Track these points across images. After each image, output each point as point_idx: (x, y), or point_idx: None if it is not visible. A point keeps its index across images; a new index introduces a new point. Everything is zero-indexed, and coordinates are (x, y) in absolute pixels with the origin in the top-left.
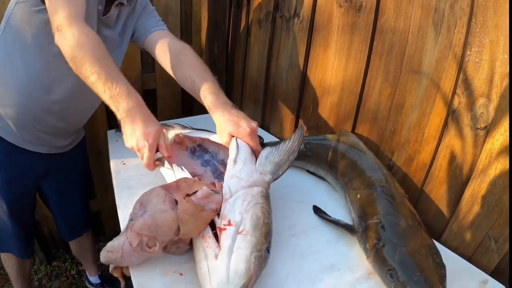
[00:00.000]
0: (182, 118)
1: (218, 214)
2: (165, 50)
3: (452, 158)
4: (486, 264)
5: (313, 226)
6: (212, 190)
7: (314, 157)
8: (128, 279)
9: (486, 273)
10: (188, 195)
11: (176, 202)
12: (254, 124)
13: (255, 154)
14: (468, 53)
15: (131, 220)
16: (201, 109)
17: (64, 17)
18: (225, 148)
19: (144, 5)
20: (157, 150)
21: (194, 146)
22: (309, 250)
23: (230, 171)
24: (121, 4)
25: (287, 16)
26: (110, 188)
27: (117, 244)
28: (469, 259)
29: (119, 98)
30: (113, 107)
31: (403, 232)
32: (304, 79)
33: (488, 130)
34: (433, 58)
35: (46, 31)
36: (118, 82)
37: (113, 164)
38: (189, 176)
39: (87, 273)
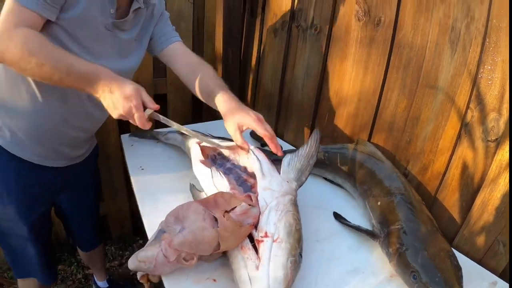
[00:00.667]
0: (192, 124)
1: (256, 227)
2: (186, 64)
3: (465, 168)
4: (495, 267)
5: (334, 232)
6: (249, 205)
7: (332, 165)
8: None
9: (495, 275)
10: (227, 211)
11: (216, 219)
12: (259, 114)
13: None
14: (482, 70)
15: (163, 231)
16: (211, 115)
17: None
18: (242, 155)
19: (162, 11)
20: (144, 108)
21: (214, 155)
22: (333, 255)
23: (261, 183)
24: (139, 8)
25: (304, 26)
26: (117, 192)
27: (151, 255)
28: (479, 262)
29: (88, 77)
30: (88, 89)
31: (424, 237)
32: (320, 89)
33: (499, 142)
34: (448, 74)
35: (55, 36)
36: (77, 64)
37: (132, 170)
38: (226, 182)
39: (95, 278)
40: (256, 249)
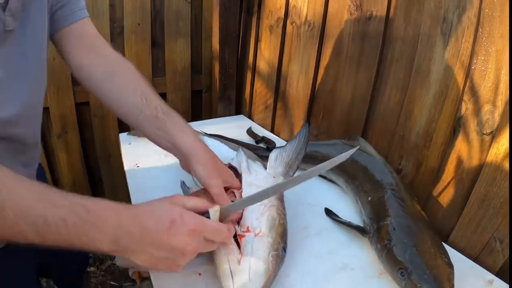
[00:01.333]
0: (190, 123)
1: (239, 222)
2: (100, 62)
3: (459, 162)
4: (492, 265)
5: (325, 228)
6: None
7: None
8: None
9: (492, 273)
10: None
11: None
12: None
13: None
14: (475, 61)
15: None
16: (211, 114)
17: None
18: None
19: None
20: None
21: None
22: (323, 251)
23: (246, 179)
24: None
25: (298, 23)
26: (119, 190)
27: None
28: (475, 259)
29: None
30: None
31: (413, 233)
32: (314, 85)
33: (494, 135)
34: (441, 67)
35: None
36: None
37: (127, 167)
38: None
39: None
40: (238, 244)
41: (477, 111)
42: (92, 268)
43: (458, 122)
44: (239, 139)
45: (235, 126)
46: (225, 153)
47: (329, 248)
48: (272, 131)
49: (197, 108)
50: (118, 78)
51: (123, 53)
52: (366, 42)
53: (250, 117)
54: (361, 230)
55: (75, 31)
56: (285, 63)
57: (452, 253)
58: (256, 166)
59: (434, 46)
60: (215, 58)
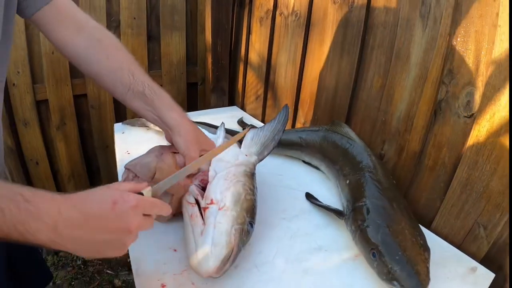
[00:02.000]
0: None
1: (203, 195)
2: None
3: (441, 146)
4: (476, 252)
5: (304, 211)
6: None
7: (309, 147)
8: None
9: (476, 260)
10: (174, 153)
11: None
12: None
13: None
14: (454, 43)
15: None
16: (206, 105)
17: None
18: None
19: None
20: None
21: None
22: (299, 232)
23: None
24: None
25: (286, 13)
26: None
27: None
28: (459, 246)
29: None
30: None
31: (387, 214)
32: (301, 74)
33: (475, 117)
34: (421, 49)
35: None
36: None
37: (118, 153)
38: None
39: None
40: (203, 217)
41: (458, 93)
42: None
43: (438, 105)
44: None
45: (228, 117)
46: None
47: (305, 230)
48: (263, 121)
49: (192, 100)
50: (103, 51)
51: None
52: (349, 29)
53: (242, 108)
54: (338, 213)
55: (50, 12)
56: (274, 53)
57: (436, 240)
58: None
59: (413, 30)
60: (208, 50)
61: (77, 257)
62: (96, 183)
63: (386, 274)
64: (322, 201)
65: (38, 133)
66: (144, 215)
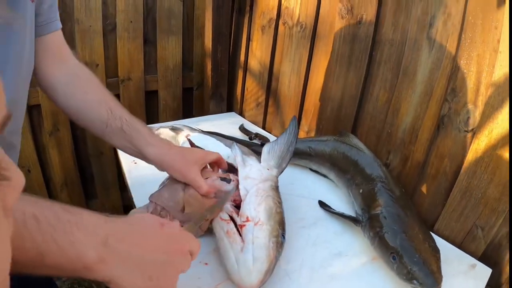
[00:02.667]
0: (183, 120)
1: (238, 214)
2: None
3: (443, 157)
4: (475, 250)
5: (320, 219)
6: (224, 179)
7: (317, 157)
8: None
9: (475, 258)
10: None
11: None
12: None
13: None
14: (458, 65)
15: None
16: (202, 111)
17: None
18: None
19: None
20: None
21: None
22: (318, 239)
23: (242, 173)
24: None
25: (290, 24)
26: (111, 188)
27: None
28: (459, 246)
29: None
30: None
31: (402, 221)
32: (306, 84)
33: (474, 132)
34: (426, 69)
35: None
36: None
37: (125, 164)
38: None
39: None
40: (240, 234)
41: (459, 110)
42: None
43: (441, 120)
44: (232, 136)
45: (227, 123)
46: (222, 150)
47: (324, 237)
48: (263, 128)
49: (188, 105)
50: (81, 87)
51: (115, 51)
52: (356, 44)
53: (241, 114)
54: (353, 220)
55: (41, 41)
56: (277, 62)
57: (437, 240)
58: (250, 160)
59: (420, 50)
60: (207, 56)
61: None
62: (90, 191)
63: (406, 275)
64: (334, 208)
65: (30, 139)
66: None
